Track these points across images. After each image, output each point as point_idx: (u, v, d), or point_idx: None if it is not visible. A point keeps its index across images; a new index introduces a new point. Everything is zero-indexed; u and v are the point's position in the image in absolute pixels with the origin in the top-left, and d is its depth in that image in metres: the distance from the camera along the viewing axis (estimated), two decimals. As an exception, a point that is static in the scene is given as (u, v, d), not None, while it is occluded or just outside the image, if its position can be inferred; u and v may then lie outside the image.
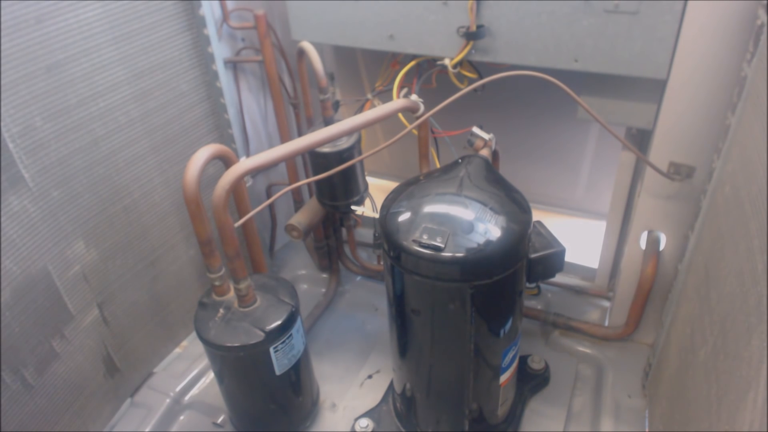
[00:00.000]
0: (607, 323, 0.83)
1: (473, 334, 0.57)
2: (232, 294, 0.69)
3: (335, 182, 0.81)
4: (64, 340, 0.73)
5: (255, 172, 0.72)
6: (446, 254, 0.53)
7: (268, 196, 1.02)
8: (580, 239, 0.97)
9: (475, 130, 0.69)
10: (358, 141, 0.82)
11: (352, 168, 0.77)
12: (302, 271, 1.07)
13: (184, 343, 0.94)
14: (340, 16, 0.76)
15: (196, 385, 0.85)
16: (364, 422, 0.73)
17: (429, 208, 0.58)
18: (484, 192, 0.60)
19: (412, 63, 0.78)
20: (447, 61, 0.72)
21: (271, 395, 0.71)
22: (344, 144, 0.78)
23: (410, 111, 0.71)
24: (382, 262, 0.77)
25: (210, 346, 0.65)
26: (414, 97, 0.72)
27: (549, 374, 0.77)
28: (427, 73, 0.80)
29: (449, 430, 0.67)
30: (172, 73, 0.80)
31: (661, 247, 0.70)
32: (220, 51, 0.84)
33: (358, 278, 1.05)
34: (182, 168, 0.58)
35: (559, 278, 0.87)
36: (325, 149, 0.78)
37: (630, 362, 0.78)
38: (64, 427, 0.75)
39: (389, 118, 0.69)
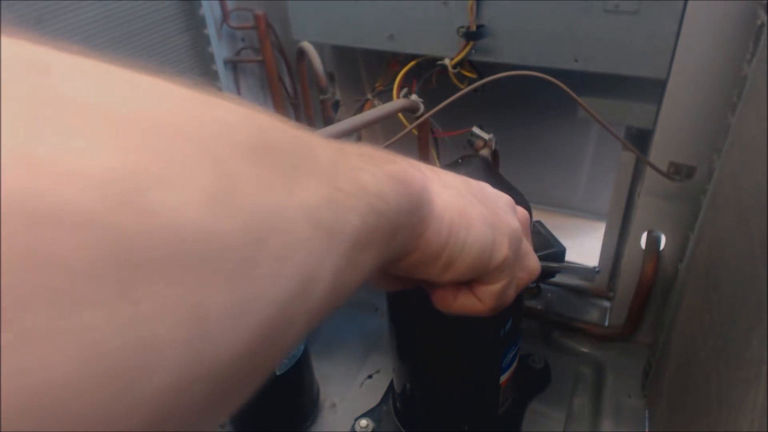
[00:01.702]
0: (607, 323, 0.83)
1: (473, 333, 0.57)
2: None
3: (335, 182, 0.81)
4: (64, 340, 0.73)
5: (255, 172, 0.72)
6: (446, 254, 0.53)
7: (268, 196, 1.02)
8: (580, 239, 0.97)
9: (475, 130, 0.69)
10: (358, 141, 0.82)
11: (352, 168, 0.77)
12: (302, 271, 1.07)
13: (184, 343, 0.94)
14: (340, 16, 0.76)
15: (196, 385, 0.85)
16: (364, 422, 0.73)
17: (429, 208, 0.58)
18: (484, 192, 0.60)
19: (412, 63, 0.78)
20: (447, 61, 0.72)
21: (271, 395, 0.71)
22: (344, 144, 0.79)
23: (410, 111, 0.71)
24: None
25: (210, 346, 0.65)
26: (414, 97, 0.72)
27: (549, 374, 0.77)
28: (427, 73, 0.80)
29: (449, 430, 0.67)
30: (172, 73, 0.80)
31: (661, 247, 0.70)
32: (220, 51, 0.84)
33: (358, 278, 1.05)
34: (182, 168, 0.58)
35: (559, 278, 0.87)
36: (325, 149, 0.78)
37: (630, 362, 0.78)
38: (64, 427, 0.75)
39: (389, 118, 0.69)
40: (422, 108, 0.70)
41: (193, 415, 0.12)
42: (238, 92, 0.93)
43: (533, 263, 0.32)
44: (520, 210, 0.33)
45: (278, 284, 0.14)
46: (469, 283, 0.29)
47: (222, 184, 0.12)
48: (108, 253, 0.10)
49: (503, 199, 0.31)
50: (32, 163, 0.09)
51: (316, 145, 0.18)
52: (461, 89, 0.64)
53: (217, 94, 0.15)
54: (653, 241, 0.70)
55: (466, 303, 0.29)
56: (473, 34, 0.67)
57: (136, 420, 0.10)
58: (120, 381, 0.10)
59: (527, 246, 0.31)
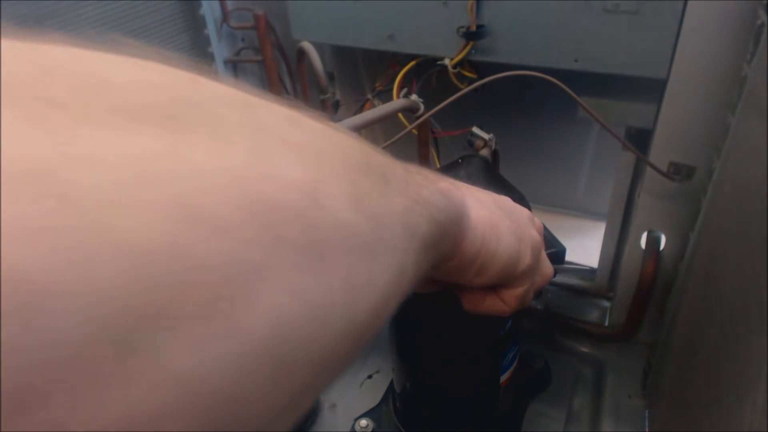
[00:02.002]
0: (607, 323, 0.83)
1: (473, 334, 0.57)
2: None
3: (335, 182, 0.81)
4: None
5: (255, 172, 0.72)
6: (446, 254, 0.53)
7: (268, 196, 1.02)
8: (580, 239, 0.97)
9: (475, 130, 0.69)
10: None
11: (352, 168, 0.78)
12: (302, 271, 1.07)
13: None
14: (340, 16, 0.76)
15: (196, 385, 0.85)
16: (364, 422, 0.73)
17: (429, 208, 0.58)
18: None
19: (412, 63, 0.78)
20: (447, 61, 0.72)
21: (271, 395, 0.71)
22: (344, 144, 0.78)
23: (410, 111, 0.71)
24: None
25: (210, 346, 0.65)
26: (414, 97, 0.72)
27: (549, 374, 0.77)
28: (427, 73, 0.80)
29: (449, 430, 0.67)
30: (172, 73, 0.80)
31: (661, 247, 0.70)
32: (220, 51, 0.84)
33: (358, 278, 1.05)
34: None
35: (559, 278, 0.87)
36: (325, 149, 0.78)
37: (630, 362, 0.78)
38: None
39: (389, 118, 0.69)
40: (422, 108, 0.70)
41: (342, 363, 0.17)
42: (238, 92, 0.93)
43: (549, 269, 0.37)
44: (537, 221, 0.38)
45: (389, 269, 0.18)
46: (495, 287, 0.33)
47: (355, 193, 0.17)
48: (309, 235, 0.15)
49: (525, 212, 0.35)
50: (262, 174, 0.14)
51: (393, 165, 0.23)
52: (461, 89, 0.64)
53: (329, 123, 0.21)
54: (653, 241, 0.70)
55: (493, 305, 0.34)
56: (473, 34, 0.67)
57: (323, 353, 0.15)
58: (319, 323, 0.15)
59: (543, 253, 0.36)
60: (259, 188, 0.13)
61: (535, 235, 0.33)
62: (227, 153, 0.13)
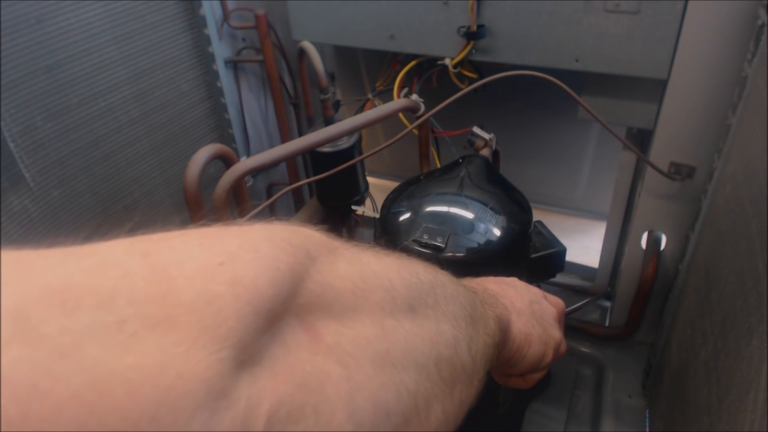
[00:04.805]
0: (607, 323, 0.83)
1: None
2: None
3: (336, 182, 0.81)
4: (65, 339, 0.73)
5: (255, 172, 0.72)
6: (447, 254, 0.53)
7: (269, 196, 1.02)
8: (580, 239, 0.97)
9: (476, 129, 0.69)
10: (359, 141, 0.82)
11: (352, 168, 0.77)
12: (302, 270, 1.06)
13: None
14: (340, 16, 0.76)
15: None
16: (365, 422, 0.72)
17: (429, 208, 0.58)
18: (485, 192, 0.60)
19: (413, 63, 0.78)
20: (448, 61, 0.72)
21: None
22: (345, 144, 0.78)
23: (411, 111, 0.71)
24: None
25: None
26: (414, 96, 0.72)
27: (549, 374, 0.77)
28: (427, 73, 0.80)
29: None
30: (172, 72, 0.80)
31: (662, 247, 0.70)
32: (220, 51, 0.84)
33: (359, 278, 1.05)
34: (183, 167, 0.59)
35: (559, 278, 0.87)
36: (326, 149, 0.78)
37: (630, 362, 0.78)
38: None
39: (389, 118, 0.69)
40: (423, 108, 0.70)
41: None
42: (239, 92, 0.93)
43: (563, 348, 0.42)
44: (557, 301, 0.45)
45: (476, 389, 0.27)
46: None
47: (468, 340, 0.25)
48: (451, 374, 0.23)
49: (552, 313, 0.42)
50: (438, 336, 0.23)
51: (482, 306, 0.29)
52: (462, 89, 0.64)
53: (459, 282, 0.28)
54: (654, 241, 0.69)
55: (516, 382, 0.42)
56: (474, 34, 0.67)
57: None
58: (450, 425, 0.23)
59: (560, 335, 0.42)
60: (441, 350, 0.22)
61: (557, 335, 0.40)
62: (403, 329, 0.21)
